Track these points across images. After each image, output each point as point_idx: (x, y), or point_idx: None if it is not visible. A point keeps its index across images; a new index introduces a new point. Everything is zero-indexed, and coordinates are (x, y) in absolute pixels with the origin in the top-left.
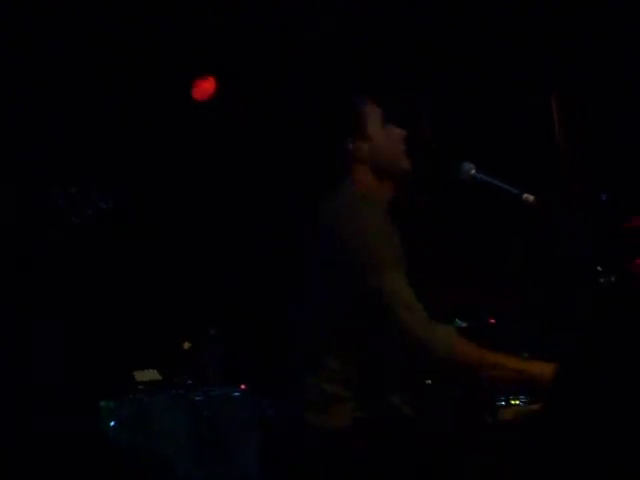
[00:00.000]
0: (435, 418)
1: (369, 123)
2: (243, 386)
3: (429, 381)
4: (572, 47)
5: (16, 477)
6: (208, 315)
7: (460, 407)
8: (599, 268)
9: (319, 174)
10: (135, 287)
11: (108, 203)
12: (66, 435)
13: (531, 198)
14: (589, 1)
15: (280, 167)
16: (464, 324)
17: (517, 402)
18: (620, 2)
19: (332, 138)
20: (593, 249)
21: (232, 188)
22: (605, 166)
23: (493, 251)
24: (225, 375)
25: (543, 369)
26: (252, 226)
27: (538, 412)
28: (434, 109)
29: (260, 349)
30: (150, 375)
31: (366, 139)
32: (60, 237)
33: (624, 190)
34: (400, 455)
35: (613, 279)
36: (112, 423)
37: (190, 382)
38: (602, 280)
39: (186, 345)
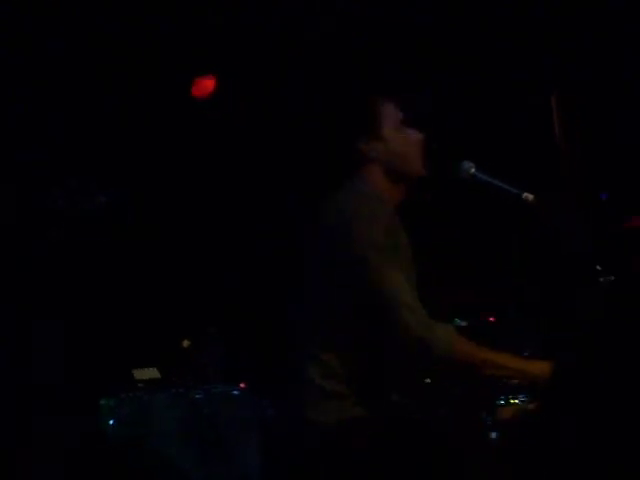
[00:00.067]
0: (435, 417)
1: (385, 124)
2: (243, 385)
3: (428, 380)
4: (572, 47)
5: (16, 477)
6: (208, 313)
7: (459, 406)
8: (599, 267)
9: (327, 173)
10: (135, 286)
11: (108, 197)
12: (66, 435)
13: (531, 197)
14: (589, 1)
15: (280, 167)
16: (464, 323)
17: (516, 401)
18: (620, 2)
19: (344, 137)
20: (593, 249)
21: (232, 188)
22: (605, 166)
23: (492, 250)
24: (225, 374)
25: (543, 369)
26: (252, 226)
27: (535, 411)
28: (434, 109)
29: (260, 349)
30: (150, 373)
31: (380, 139)
32: (60, 237)
33: (624, 190)
34: (400, 454)
35: (613, 279)
36: (111, 421)
37: (190, 380)
38: (602, 280)
39: (185, 343)
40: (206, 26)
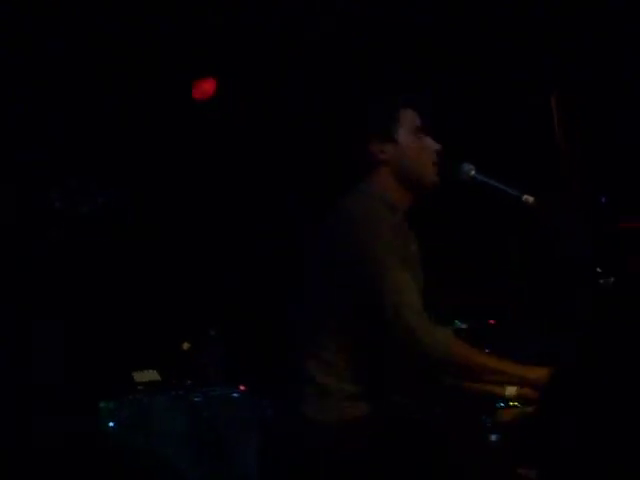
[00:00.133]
0: (434, 417)
1: (400, 127)
2: (243, 387)
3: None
4: (572, 47)
5: (16, 477)
6: (208, 316)
7: (459, 408)
8: (599, 269)
9: (337, 174)
10: (135, 288)
11: (108, 197)
12: (66, 435)
13: (531, 199)
14: (589, 1)
15: (280, 167)
16: (464, 326)
17: (516, 404)
18: (620, 2)
19: (357, 136)
20: (592, 250)
21: (232, 188)
22: (605, 166)
23: (492, 252)
24: (225, 375)
25: (541, 375)
26: (252, 226)
27: (535, 413)
28: (434, 109)
29: (260, 349)
30: (150, 376)
31: (393, 142)
32: (60, 237)
33: (623, 191)
34: (399, 454)
35: (612, 280)
36: (111, 424)
37: (190, 383)
38: (602, 281)
39: (185, 346)
40: (206, 27)
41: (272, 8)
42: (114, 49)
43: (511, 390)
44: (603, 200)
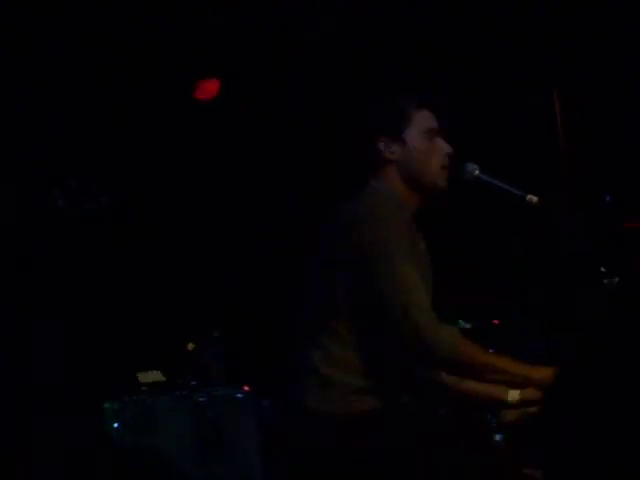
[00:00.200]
0: (440, 419)
1: (410, 127)
2: (246, 387)
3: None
4: (572, 47)
5: (16, 477)
6: (212, 316)
7: (463, 409)
8: (602, 269)
9: (337, 173)
10: (138, 288)
11: (108, 197)
12: (66, 435)
13: (535, 199)
14: (589, 1)
15: (280, 167)
16: (468, 325)
17: None
18: (620, 2)
19: (365, 133)
20: (595, 249)
21: (232, 188)
22: (606, 166)
23: (496, 252)
24: (228, 376)
25: (546, 374)
26: (252, 226)
27: (538, 413)
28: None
29: (260, 350)
30: (154, 376)
31: (400, 141)
32: (60, 237)
33: (625, 190)
34: (403, 452)
35: (616, 280)
36: (116, 424)
37: (194, 383)
38: (605, 281)
39: (190, 346)
40: (205, 27)
41: (272, 8)
42: (114, 49)
43: (514, 395)
44: (607, 199)
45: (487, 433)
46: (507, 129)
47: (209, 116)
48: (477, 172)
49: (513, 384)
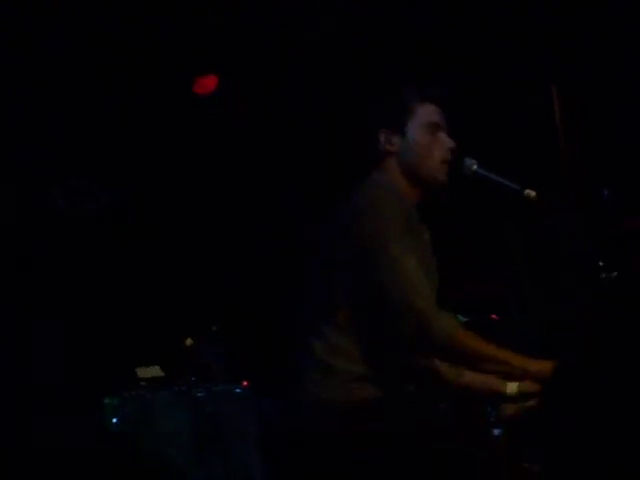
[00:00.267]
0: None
1: (411, 120)
2: (245, 383)
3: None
4: (572, 46)
5: (16, 477)
6: (209, 312)
7: (462, 401)
8: (600, 263)
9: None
10: (137, 285)
11: (108, 197)
12: (66, 435)
13: (533, 194)
14: (589, 1)
15: (280, 167)
16: (465, 319)
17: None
18: (620, 2)
19: (366, 125)
20: (593, 248)
21: (232, 187)
22: (606, 165)
23: (494, 247)
24: (228, 376)
25: (544, 367)
26: (252, 226)
27: (537, 407)
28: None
29: (260, 348)
30: (153, 372)
31: (400, 133)
32: (60, 237)
33: (624, 190)
34: (403, 442)
35: (614, 275)
36: (115, 420)
37: (193, 379)
38: (603, 276)
39: (188, 342)
40: (205, 27)
41: (272, 8)
42: (114, 49)
43: (512, 387)
44: (605, 193)
45: (486, 427)
46: (507, 128)
47: (209, 117)
48: (475, 167)
49: (512, 376)
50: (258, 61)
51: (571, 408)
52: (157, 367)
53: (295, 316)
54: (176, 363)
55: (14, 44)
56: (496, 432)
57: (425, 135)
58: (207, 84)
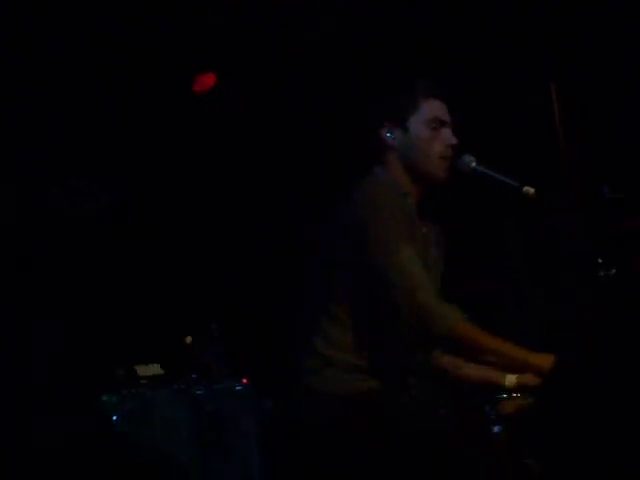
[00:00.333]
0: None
1: (414, 115)
2: (245, 380)
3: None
4: (572, 46)
5: (16, 477)
6: (209, 310)
7: (462, 400)
8: (600, 260)
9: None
10: (136, 284)
11: (108, 197)
12: (66, 435)
13: (532, 191)
14: (589, 1)
15: (280, 167)
16: (465, 316)
17: (519, 395)
18: (620, 2)
19: (368, 118)
20: (593, 248)
21: (232, 187)
22: (606, 165)
23: (492, 244)
24: (227, 370)
25: (545, 360)
26: (252, 226)
27: (536, 404)
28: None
29: (261, 350)
30: (152, 370)
31: (402, 128)
32: (60, 237)
33: (625, 189)
34: (403, 437)
35: (613, 273)
36: (114, 417)
37: (193, 376)
38: (602, 274)
39: (188, 340)
40: (206, 25)
41: (272, 8)
42: (114, 48)
43: (511, 379)
44: (604, 190)
45: (486, 424)
46: (506, 128)
47: (209, 117)
48: (474, 164)
49: (512, 368)
50: (258, 60)
51: (571, 408)
52: (157, 365)
53: (295, 315)
54: (176, 361)
55: (14, 44)
56: (496, 429)
57: (427, 130)
58: (206, 82)
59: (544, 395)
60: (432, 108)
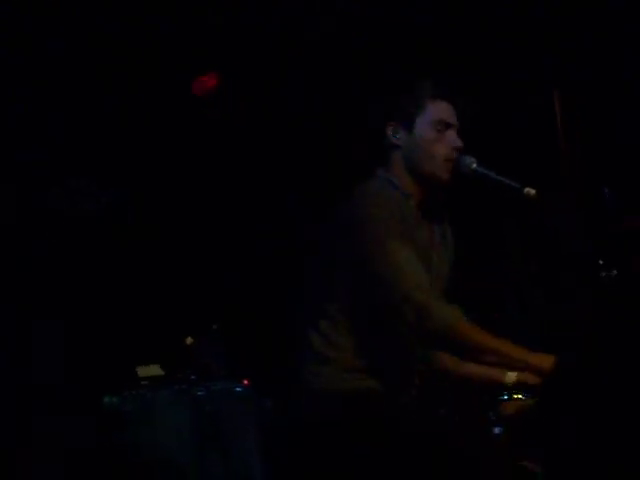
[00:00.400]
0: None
1: (420, 116)
2: (246, 381)
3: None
4: (572, 47)
5: (16, 477)
6: (210, 311)
7: (462, 401)
8: (600, 261)
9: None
10: (137, 284)
11: (108, 197)
12: (66, 435)
13: (532, 192)
14: (589, 1)
15: (280, 167)
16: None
17: (519, 396)
18: (620, 2)
19: (375, 117)
20: (593, 248)
21: (232, 187)
22: (606, 166)
23: (492, 245)
24: (227, 371)
25: (546, 360)
26: (252, 226)
27: (536, 405)
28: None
29: (261, 350)
30: (153, 371)
31: (406, 127)
32: (60, 237)
33: (625, 190)
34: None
35: (614, 274)
36: (115, 418)
37: (193, 377)
38: (603, 275)
39: (189, 340)
40: (206, 25)
41: (272, 8)
42: (114, 49)
43: (511, 376)
44: (606, 191)
45: (486, 424)
46: (507, 129)
47: (209, 116)
48: (474, 165)
49: (512, 368)
50: (257, 61)
51: (571, 408)
52: (157, 366)
53: (295, 315)
54: (176, 362)
55: (14, 44)
56: (496, 431)
57: (432, 131)
58: (206, 83)
59: (544, 395)
60: (438, 110)
